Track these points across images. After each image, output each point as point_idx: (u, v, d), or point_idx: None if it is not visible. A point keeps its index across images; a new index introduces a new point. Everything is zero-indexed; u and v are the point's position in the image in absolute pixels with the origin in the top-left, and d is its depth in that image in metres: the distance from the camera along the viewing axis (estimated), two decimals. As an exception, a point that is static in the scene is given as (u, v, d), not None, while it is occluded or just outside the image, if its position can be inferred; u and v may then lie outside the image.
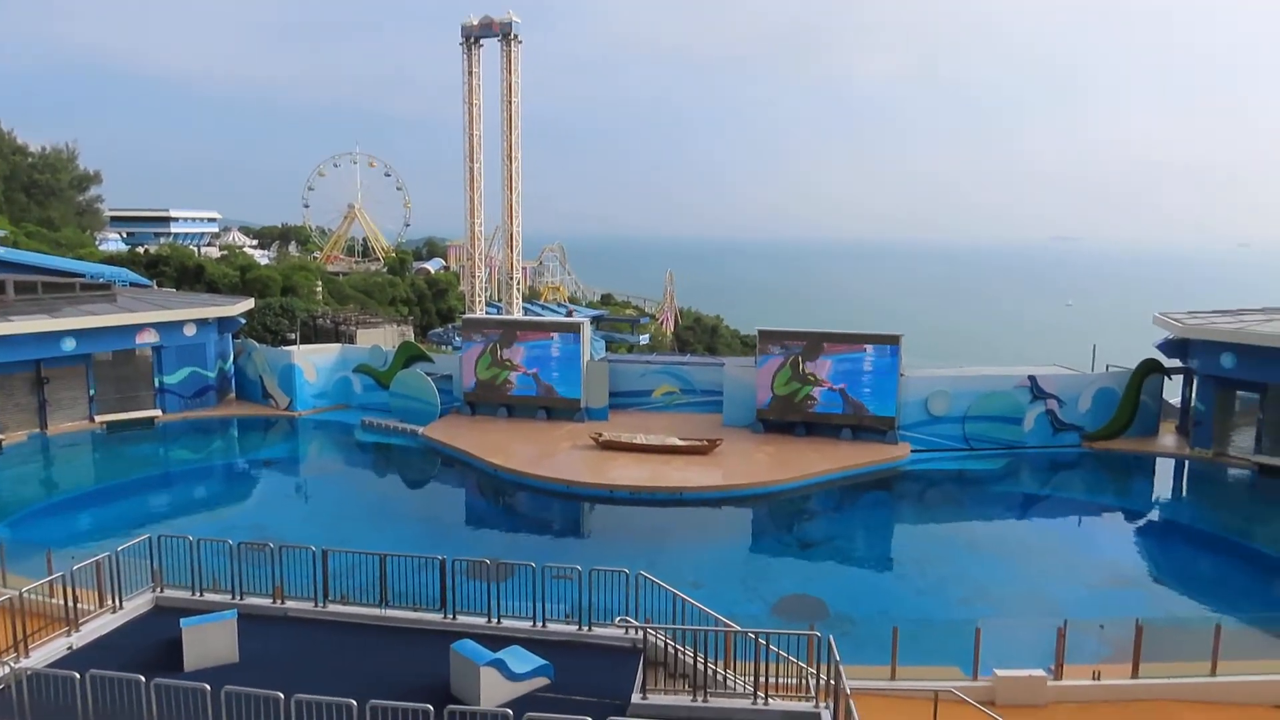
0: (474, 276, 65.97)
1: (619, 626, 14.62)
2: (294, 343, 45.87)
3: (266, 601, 15.63)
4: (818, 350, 35.04)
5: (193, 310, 40.55)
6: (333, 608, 15.48)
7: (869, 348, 34.60)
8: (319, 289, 75.67)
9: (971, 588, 22.86)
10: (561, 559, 15.68)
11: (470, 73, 62.98)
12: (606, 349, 48.43)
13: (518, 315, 59.60)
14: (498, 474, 31.64)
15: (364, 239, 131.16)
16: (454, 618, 15.09)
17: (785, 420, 35.64)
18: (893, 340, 34.47)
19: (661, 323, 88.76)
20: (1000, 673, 16.30)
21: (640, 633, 13.95)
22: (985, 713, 14.60)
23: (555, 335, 38.24)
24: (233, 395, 42.89)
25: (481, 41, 63.03)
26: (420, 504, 31.85)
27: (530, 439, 35.09)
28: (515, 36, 62.23)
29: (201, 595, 15.75)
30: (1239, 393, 33.91)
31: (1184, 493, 33.29)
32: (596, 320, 51.10)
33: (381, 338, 53.76)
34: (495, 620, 14.94)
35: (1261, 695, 16.44)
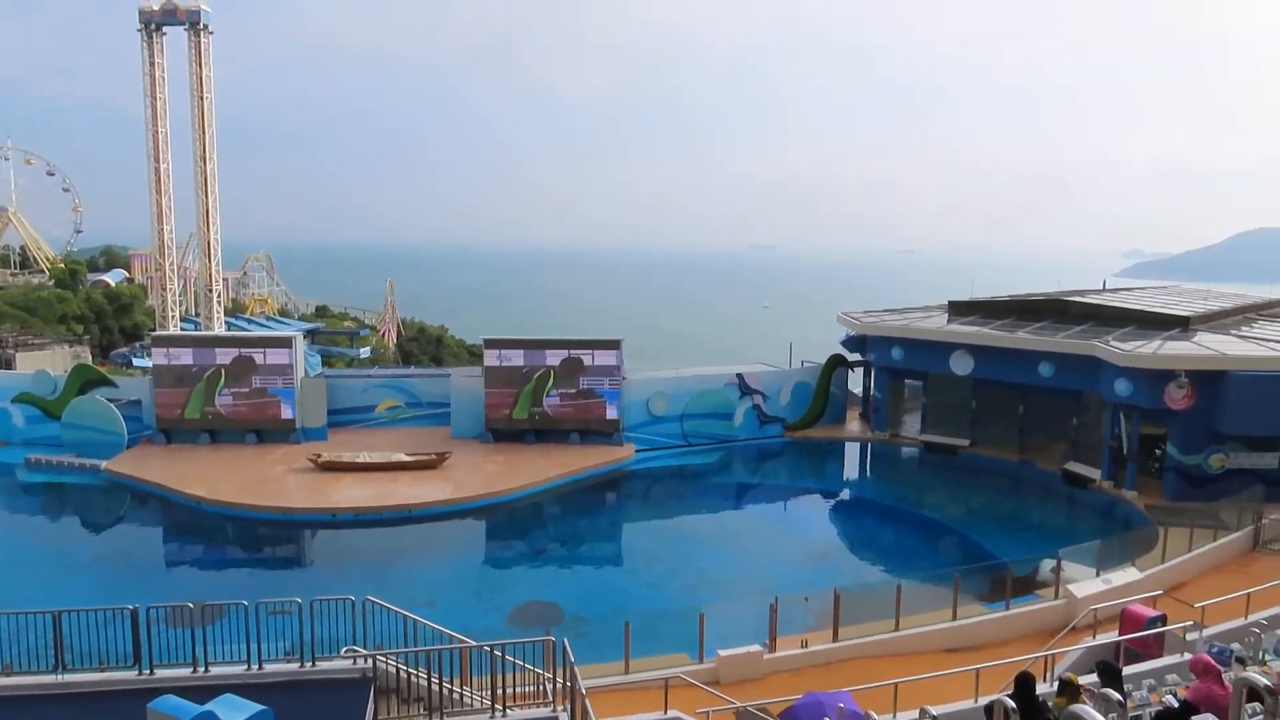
0: (165, 289, 59.39)
1: (346, 657, 13.78)
2: (-70, 371, 38.63)
3: (-102, 685, 12.95)
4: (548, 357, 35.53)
5: None
6: (-7, 681, 13.16)
7: (593, 352, 35.62)
8: (-38, 307, 64.41)
9: (696, 576, 24.26)
10: (280, 593, 14.50)
11: (153, 63, 56.51)
12: (323, 364, 45.70)
13: (219, 330, 54.51)
14: (201, 507, 28.71)
15: (21, 247, 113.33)
16: (151, 673, 13.40)
17: (515, 429, 35.72)
18: (614, 345, 35.74)
19: (383, 335, 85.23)
20: (723, 653, 17.44)
21: (370, 661, 13.26)
22: (710, 693, 15.53)
23: (264, 350, 35.49)
24: None
25: (164, 29, 56.87)
26: (107, 549, 28.03)
27: (239, 465, 32.24)
28: (205, 26, 56.82)
29: None
30: (907, 381, 39.01)
31: (868, 472, 37.68)
32: (311, 334, 48.03)
33: (49, 361, 46.84)
34: (202, 669, 13.48)
35: (934, 642, 18.99)
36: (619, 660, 17.04)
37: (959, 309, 38.68)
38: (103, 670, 13.44)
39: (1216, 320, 34.63)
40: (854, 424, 40.41)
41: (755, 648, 17.82)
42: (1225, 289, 51.00)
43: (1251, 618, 17.78)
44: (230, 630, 13.73)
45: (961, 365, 34.56)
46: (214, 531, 28.21)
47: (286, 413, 35.33)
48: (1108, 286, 48.07)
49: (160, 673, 13.42)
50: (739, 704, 14.74)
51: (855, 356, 39.94)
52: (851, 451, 38.92)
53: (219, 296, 59.06)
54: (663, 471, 34.95)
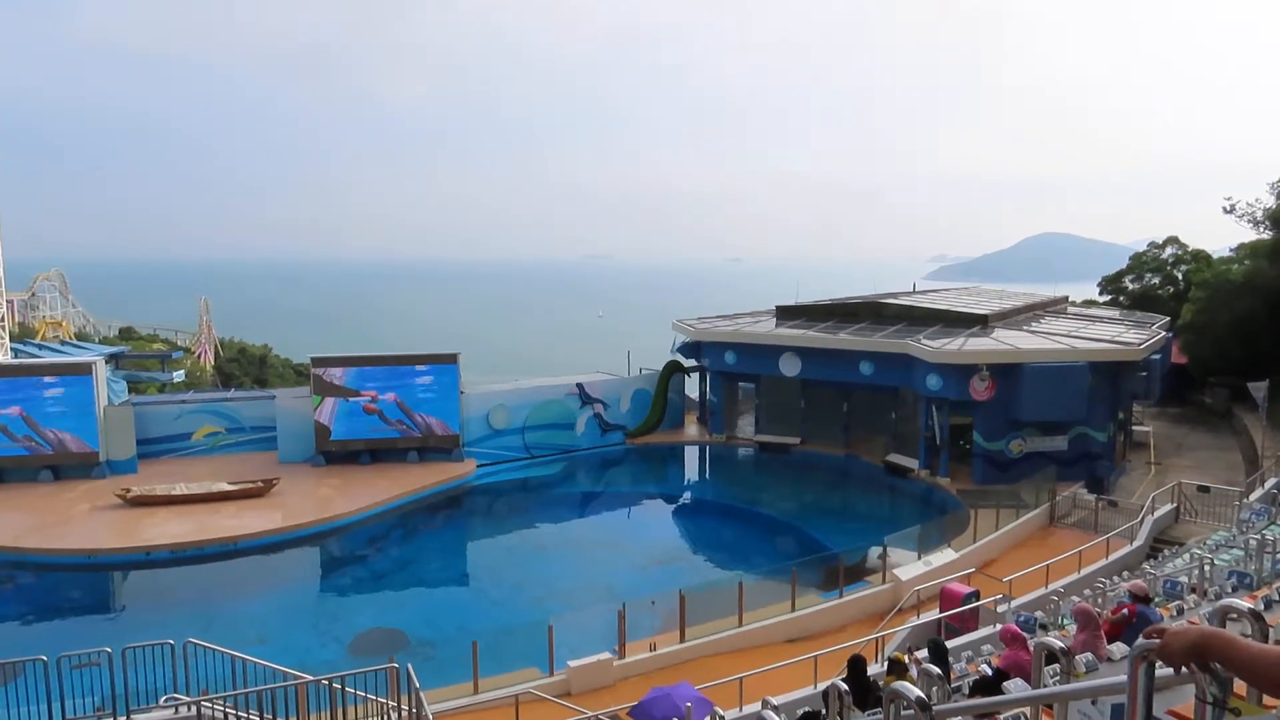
0: (-65, 314, 53.00)
1: (166, 707, 12.74)
2: None
3: None
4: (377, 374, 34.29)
5: None
6: None
7: (428, 368, 34.72)
8: None
9: (544, 588, 24.09)
10: (87, 643, 13.23)
11: (-89, 62, 50.42)
12: (130, 390, 42.09)
13: (5, 358, 49.22)
14: (-12, 555, 25.79)
15: None
16: (-69, 747, 11.93)
17: (349, 450, 34.27)
18: (451, 359, 34.98)
19: (199, 356, 79.55)
20: (573, 664, 17.41)
21: (194, 708, 12.33)
22: (562, 705, 15.47)
23: (54, 379, 32.34)
24: None
25: (-75, 25, 50.84)
26: None
27: (32, 506, 29.19)
28: (-24, 23, 51.27)
29: None
30: (741, 384, 40.40)
31: (708, 474, 38.71)
32: (115, 358, 44.08)
33: None
34: (-5, 736, 12.12)
35: (775, 634, 19.73)
36: (468, 681, 16.67)
37: (786, 313, 40.48)
38: None
39: (1011, 318, 38.00)
40: (692, 428, 41.44)
41: (605, 655, 17.89)
42: (1017, 289, 56.09)
43: (1051, 587, 19.63)
44: (28, 690, 12.42)
45: (790, 367, 36.17)
46: (4, 582, 25.38)
47: (88, 445, 32.34)
48: (917, 289, 51.69)
49: (-58, 746, 11.97)
50: (591, 713, 14.75)
51: (691, 362, 40.97)
52: (691, 455, 39.87)
53: (3, 321, 53.38)
54: (506, 485, 34.53)
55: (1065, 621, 15.29)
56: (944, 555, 23.24)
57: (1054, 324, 38.00)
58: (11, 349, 43.95)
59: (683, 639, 18.97)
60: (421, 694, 11.99)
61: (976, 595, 18.48)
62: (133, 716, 12.53)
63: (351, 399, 33.84)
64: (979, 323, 35.04)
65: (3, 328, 42.40)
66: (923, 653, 12.67)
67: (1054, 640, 6.39)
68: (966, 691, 9.61)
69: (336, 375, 33.92)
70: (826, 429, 37.43)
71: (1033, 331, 34.98)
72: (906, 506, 31.38)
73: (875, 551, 23.68)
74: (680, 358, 40.83)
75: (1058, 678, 6.83)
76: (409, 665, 12.37)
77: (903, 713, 4.42)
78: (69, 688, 12.44)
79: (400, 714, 12.58)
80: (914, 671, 10.80)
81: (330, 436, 33.94)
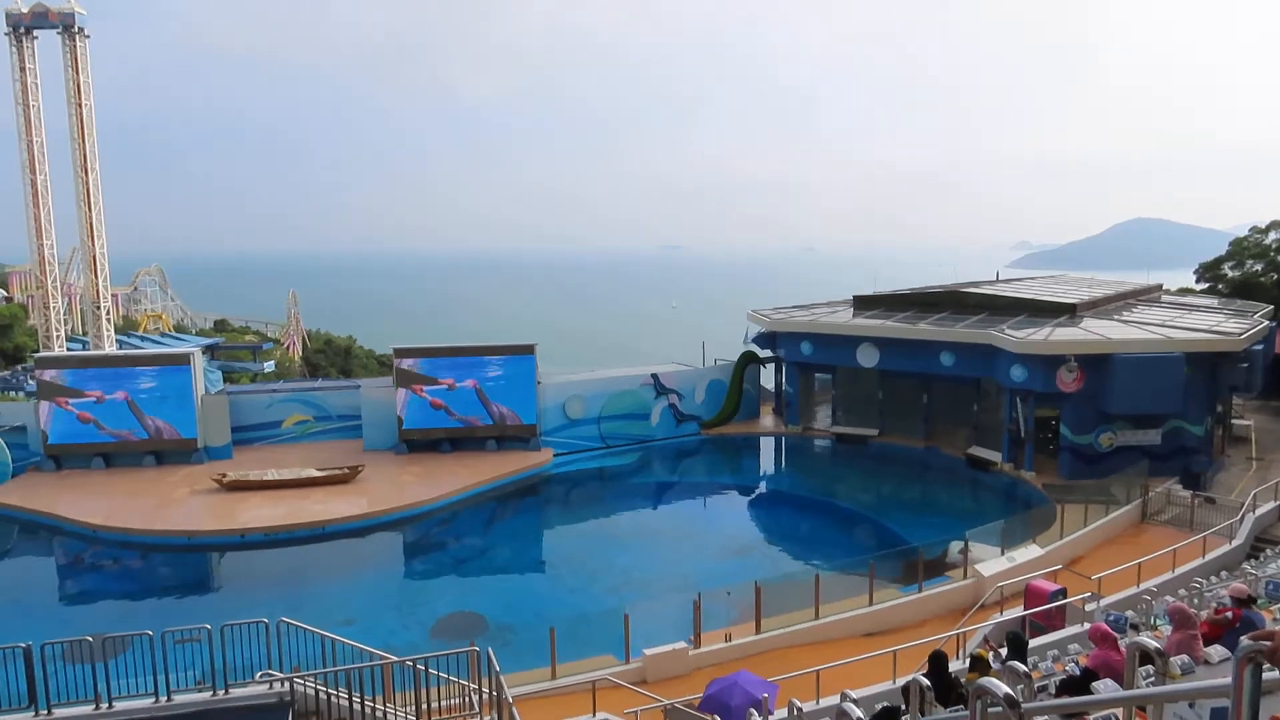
0: (48, 308, 56.10)
1: (261, 682, 13.31)
2: None
3: None
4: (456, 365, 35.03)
5: None
6: None
7: (506, 358, 35.30)
8: None
9: (619, 577, 24.32)
10: (188, 620, 13.93)
11: (23, 69, 53.24)
12: (225, 380, 43.95)
13: (111, 350, 51.87)
14: (98, 535, 27.33)
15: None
16: (49, 712, 12.69)
17: (430, 438, 35.11)
18: (528, 350, 35.50)
19: (288, 347, 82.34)
20: (649, 652, 17.55)
21: (287, 684, 12.86)
22: (638, 692, 15.60)
23: (156, 368, 33.96)
24: None
25: (35, 33, 53.70)
26: (-7, 585, 26.38)
27: (138, 490, 30.77)
28: (81, 30, 53.92)
29: None
30: (817, 375, 39.93)
31: (784, 465, 38.43)
32: (211, 349, 46.13)
33: (-80, 389, 43.72)
34: (106, 705, 12.84)
35: (853, 628, 19.52)
36: (545, 666, 16.97)
37: (863, 303, 39.79)
38: (-5, 714, 12.68)
39: (1100, 306, 36.59)
40: (768, 419, 41.13)
41: (680, 644, 17.98)
42: (1107, 277, 54.05)
43: (1142, 586, 18.91)
44: (135, 663, 13.13)
45: (868, 358, 35.58)
46: (113, 560, 26.85)
47: (186, 433, 33.91)
48: (1000, 277, 50.20)
49: (59, 712, 12.75)
50: (666, 702, 14.85)
51: (766, 353, 40.65)
52: (766, 446, 39.60)
53: (108, 314, 56.20)
54: (582, 474, 34.89)
55: (1158, 622, 14.73)
56: (1029, 551, 22.59)
57: (1147, 313, 36.45)
58: (117, 340, 46.29)
59: (758, 630, 18.93)
60: (501, 677, 12.25)
61: (1063, 593, 17.93)
62: (231, 690, 13.14)
63: (429, 388, 34.64)
64: (1066, 312, 33.86)
65: (109, 321, 44.65)
66: (1004, 650, 12.37)
67: (1148, 640, 6.18)
68: (1053, 691, 9.37)
69: (417, 365, 34.78)
70: (905, 421, 36.72)
71: (1124, 321, 33.63)
72: (989, 501, 30.61)
73: (956, 546, 23.17)
74: (755, 348, 40.56)
75: (1151, 679, 6.60)
76: (489, 649, 12.65)
77: (989, 710, 4.35)
78: (172, 662, 13.11)
79: (481, 696, 12.88)
80: (996, 666, 10.57)
81: (404, 425, 34.81)
